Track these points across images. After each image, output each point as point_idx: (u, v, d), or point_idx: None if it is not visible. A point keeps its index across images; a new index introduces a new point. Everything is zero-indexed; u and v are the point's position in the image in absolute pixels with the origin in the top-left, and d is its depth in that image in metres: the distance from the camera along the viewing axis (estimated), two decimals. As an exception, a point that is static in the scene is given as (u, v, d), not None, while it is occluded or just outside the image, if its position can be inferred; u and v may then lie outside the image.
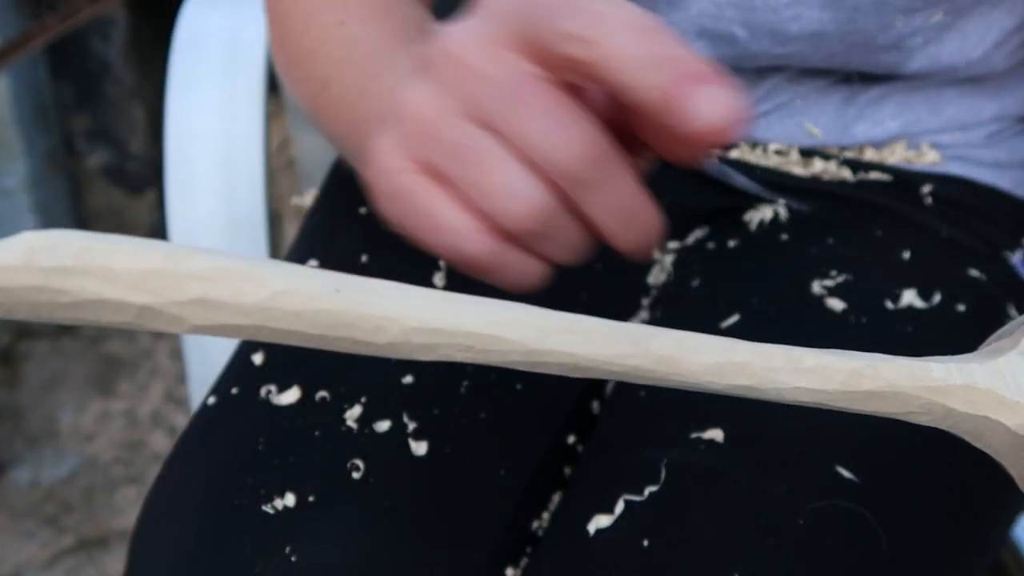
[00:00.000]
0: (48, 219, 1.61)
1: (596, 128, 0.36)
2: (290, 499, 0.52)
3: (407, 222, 0.39)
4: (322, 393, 0.56)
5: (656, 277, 0.67)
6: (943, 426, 0.36)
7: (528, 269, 0.40)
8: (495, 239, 0.38)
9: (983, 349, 0.38)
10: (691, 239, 0.70)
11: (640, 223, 0.38)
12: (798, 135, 0.68)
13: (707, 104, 0.33)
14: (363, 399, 0.56)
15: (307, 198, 0.79)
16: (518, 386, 0.60)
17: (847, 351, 0.35)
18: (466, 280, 0.62)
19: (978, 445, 0.37)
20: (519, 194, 0.37)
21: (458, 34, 0.37)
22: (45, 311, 0.30)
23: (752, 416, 0.55)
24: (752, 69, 0.66)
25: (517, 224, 0.37)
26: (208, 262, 0.30)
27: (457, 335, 0.32)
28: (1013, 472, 0.38)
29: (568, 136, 0.36)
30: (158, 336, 1.65)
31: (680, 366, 0.33)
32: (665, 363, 0.33)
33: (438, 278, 0.62)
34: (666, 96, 0.33)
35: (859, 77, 0.66)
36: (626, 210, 0.38)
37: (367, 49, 0.54)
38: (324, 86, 0.55)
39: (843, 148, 0.68)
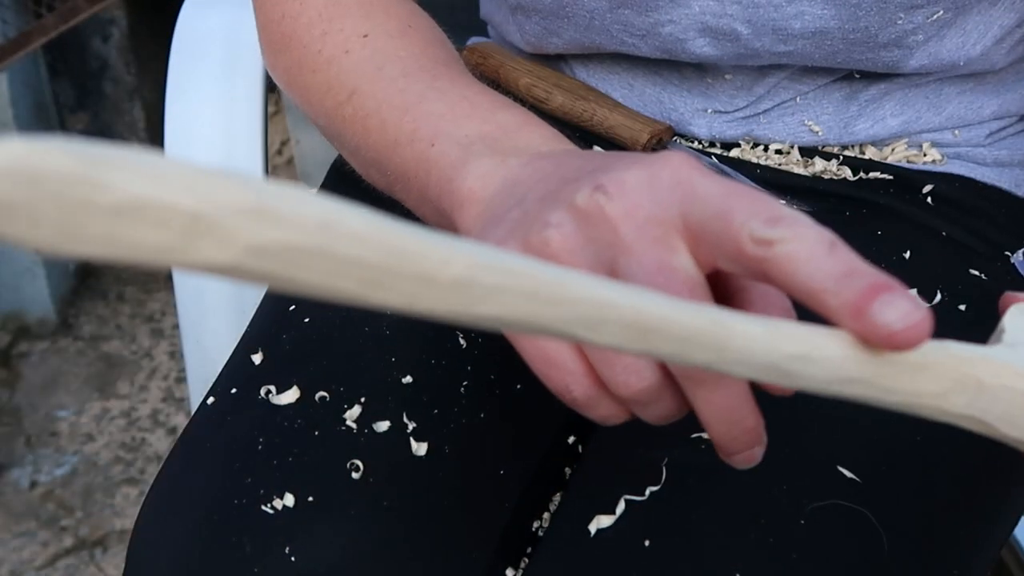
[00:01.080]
0: (47, 219, 1.61)
1: None
2: (289, 499, 0.52)
3: (517, 342, 0.42)
4: (321, 393, 0.56)
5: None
6: (975, 410, 0.37)
7: (614, 414, 0.42)
8: (598, 388, 0.41)
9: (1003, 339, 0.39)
10: (692, 239, 0.70)
11: (742, 430, 0.40)
12: (799, 133, 0.67)
13: (895, 313, 0.34)
14: (363, 399, 0.56)
15: (306, 198, 0.79)
16: (518, 386, 0.60)
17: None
18: None
19: (1007, 431, 0.37)
20: (636, 372, 0.39)
21: (625, 200, 0.39)
22: (74, 217, 0.24)
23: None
24: (754, 67, 0.66)
25: (625, 394, 0.40)
26: (256, 180, 0.26)
27: (525, 277, 0.29)
28: None
29: None
30: (158, 336, 1.65)
31: (732, 341, 0.33)
32: (719, 335, 0.33)
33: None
34: (855, 306, 0.34)
35: (860, 75, 0.66)
36: (731, 413, 0.39)
37: (401, 66, 0.55)
38: (352, 96, 0.55)
39: (844, 146, 0.68)
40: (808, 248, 0.35)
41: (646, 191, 0.39)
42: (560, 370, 0.41)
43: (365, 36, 0.56)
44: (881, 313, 0.34)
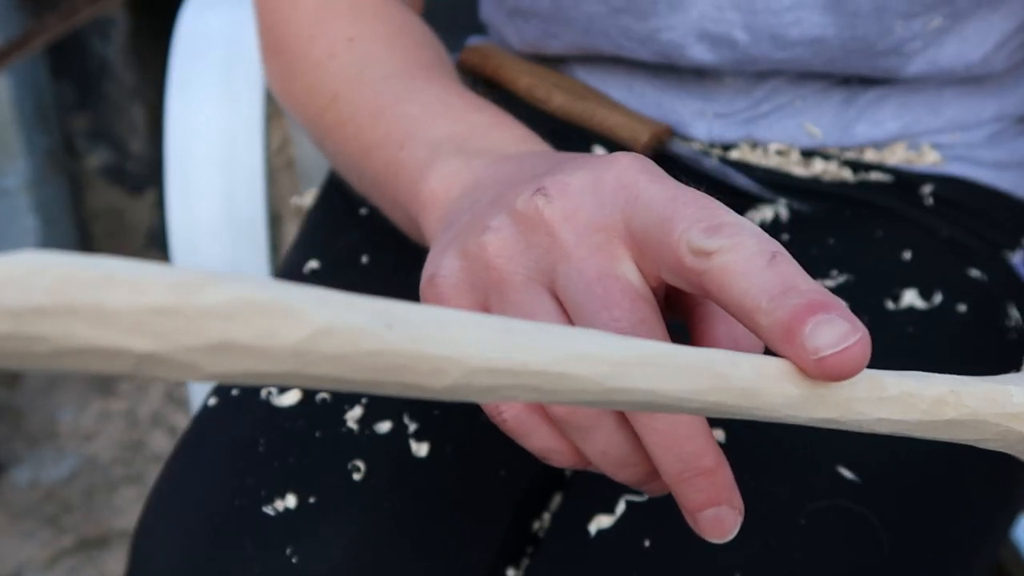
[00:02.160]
0: (48, 219, 1.61)
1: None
2: (291, 500, 0.52)
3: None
4: (323, 394, 0.56)
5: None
6: (1013, 451, 0.36)
7: (555, 447, 0.39)
8: (531, 410, 0.38)
9: None
10: (692, 239, 0.70)
11: (697, 471, 0.36)
12: (798, 136, 0.67)
13: (827, 337, 0.31)
14: (363, 400, 0.56)
15: (307, 198, 0.79)
16: (518, 386, 0.60)
17: (926, 373, 0.34)
18: None
19: None
20: None
21: (565, 203, 0.37)
22: (17, 360, 0.23)
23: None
24: (752, 71, 0.66)
25: (559, 415, 0.37)
26: (227, 294, 0.24)
27: (523, 375, 0.28)
28: None
29: None
30: (158, 336, 1.65)
31: (762, 399, 0.31)
32: (747, 396, 0.31)
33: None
34: (786, 327, 0.31)
35: (858, 81, 0.66)
36: (678, 445, 0.36)
37: (381, 70, 0.54)
38: (332, 101, 0.55)
39: (843, 149, 0.68)
40: (745, 260, 0.33)
41: (589, 195, 0.37)
42: None
43: (351, 40, 0.56)
44: (812, 336, 0.31)
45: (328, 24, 0.57)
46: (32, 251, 0.23)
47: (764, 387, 0.31)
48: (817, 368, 0.30)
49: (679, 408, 0.30)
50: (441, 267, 0.40)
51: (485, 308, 0.39)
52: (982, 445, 0.35)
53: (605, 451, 0.37)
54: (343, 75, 0.55)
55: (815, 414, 0.31)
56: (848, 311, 0.32)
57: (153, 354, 0.24)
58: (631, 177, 0.37)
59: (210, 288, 0.24)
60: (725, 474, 0.36)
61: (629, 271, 0.37)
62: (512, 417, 0.39)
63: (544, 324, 0.29)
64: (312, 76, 0.57)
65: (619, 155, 0.38)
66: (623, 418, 0.37)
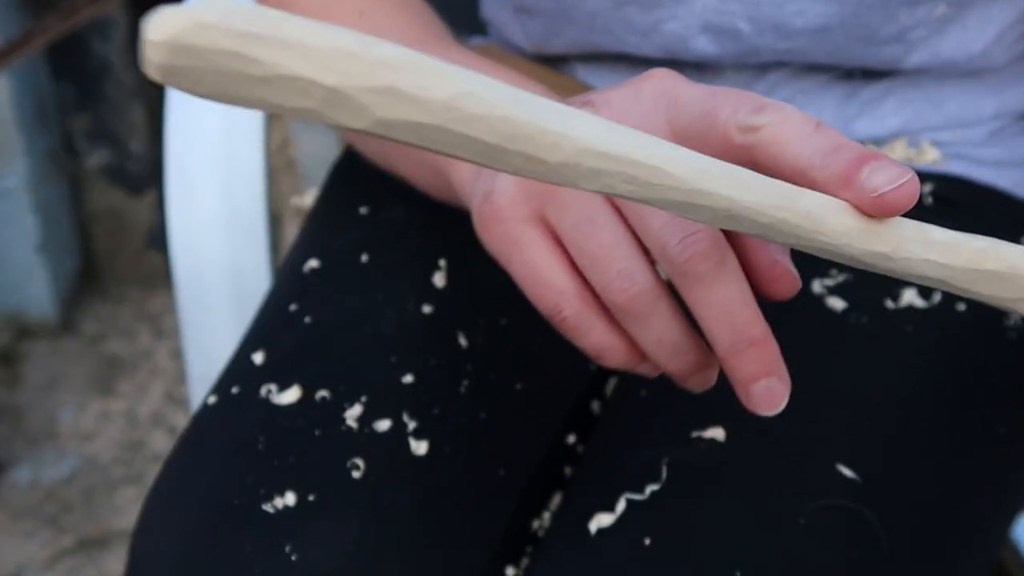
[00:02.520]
0: (48, 219, 1.61)
1: (719, 233, 0.39)
2: (290, 498, 0.52)
3: (510, 266, 0.42)
4: (322, 392, 0.56)
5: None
6: None
7: (611, 343, 0.42)
8: (590, 307, 0.41)
9: None
10: (691, 239, 0.70)
11: (748, 341, 0.40)
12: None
13: (882, 177, 0.34)
14: (363, 398, 0.56)
15: (307, 198, 0.79)
16: (518, 386, 0.60)
17: (970, 234, 0.37)
18: (465, 276, 0.62)
19: None
20: (631, 276, 0.39)
21: (610, 109, 0.40)
22: (232, 83, 0.28)
23: (753, 415, 0.55)
24: (753, 64, 0.66)
25: (619, 303, 0.40)
26: (398, 51, 0.29)
27: (624, 163, 0.32)
28: None
29: (691, 234, 0.38)
30: (158, 336, 1.65)
31: (824, 224, 0.34)
32: (811, 219, 0.34)
33: (438, 278, 0.62)
34: (844, 176, 0.35)
35: (860, 73, 0.66)
36: (732, 315, 0.39)
37: (398, 39, 0.55)
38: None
39: (844, 146, 0.68)
40: (794, 128, 0.36)
41: (632, 103, 0.40)
42: (550, 290, 0.41)
43: (361, 13, 0.57)
44: (869, 179, 0.34)
45: (336, 1, 0.58)
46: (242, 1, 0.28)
47: (826, 215, 0.34)
48: (876, 204, 0.34)
49: (751, 219, 0.33)
50: (496, 183, 0.42)
51: (542, 218, 0.41)
52: (1014, 307, 0.37)
53: (660, 339, 0.40)
54: None
55: (870, 246, 0.35)
56: (893, 159, 0.36)
57: (336, 89, 0.28)
58: (668, 84, 0.40)
59: (387, 45, 0.29)
60: (774, 347, 0.39)
61: None
62: (573, 315, 0.41)
63: (649, 134, 0.33)
64: None
65: (653, 70, 0.41)
66: (676, 307, 0.40)
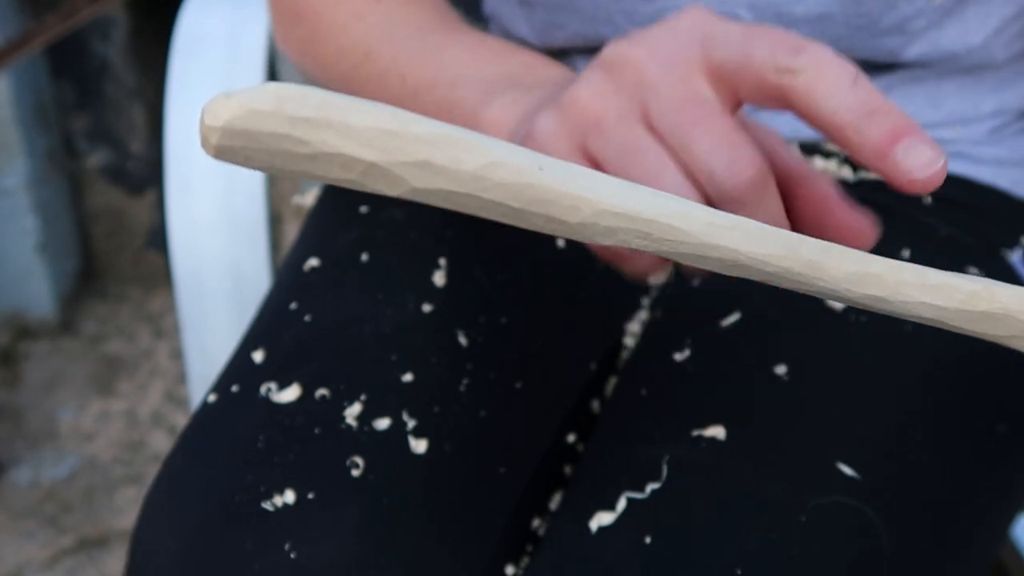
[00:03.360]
0: (48, 219, 1.61)
1: (759, 156, 0.40)
2: (290, 496, 0.52)
3: None
4: (322, 391, 0.56)
5: (656, 276, 0.68)
6: None
7: (648, 265, 0.44)
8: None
9: None
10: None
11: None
12: (800, 127, 0.67)
13: (917, 160, 0.36)
14: (363, 397, 0.56)
15: (307, 198, 0.79)
16: (518, 384, 0.60)
17: (967, 275, 0.38)
18: (465, 275, 0.62)
19: None
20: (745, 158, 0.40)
21: (646, 45, 0.41)
22: (281, 160, 0.31)
23: (753, 414, 0.55)
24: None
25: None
26: (431, 127, 0.32)
27: (638, 221, 0.34)
28: None
29: (732, 158, 0.39)
30: (158, 336, 1.65)
31: (825, 271, 0.36)
32: (812, 267, 0.36)
33: (438, 276, 0.62)
34: (878, 148, 0.36)
35: (861, 68, 0.66)
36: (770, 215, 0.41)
37: (416, 24, 0.56)
38: (367, 55, 0.56)
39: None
40: (831, 81, 0.36)
41: (667, 37, 0.41)
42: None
43: (377, 1, 0.57)
44: (904, 158, 0.35)
45: None
46: (300, 85, 0.31)
47: (827, 262, 0.36)
48: (909, 185, 0.36)
49: (756, 268, 0.36)
50: (537, 121, 0.43)
51: (584, 150, 0.42)
52: (1013, 344, 0.39)
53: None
54: (375, 32, 0.57)
55: (867, 291, 0.37)
56: (926, 134, 0.36)
57: (376, 164, 0.31)
58: (703, 21, 0.41)
59: (420, 122, 0.32)
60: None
61: (710, 95, 0.40)
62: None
63: (660, 191, 0.35)
64: (341, 37, 0.58)
65: (689, 7, 0.42)
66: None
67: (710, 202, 0.40)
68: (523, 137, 0.43)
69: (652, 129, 0.41)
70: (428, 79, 0.53)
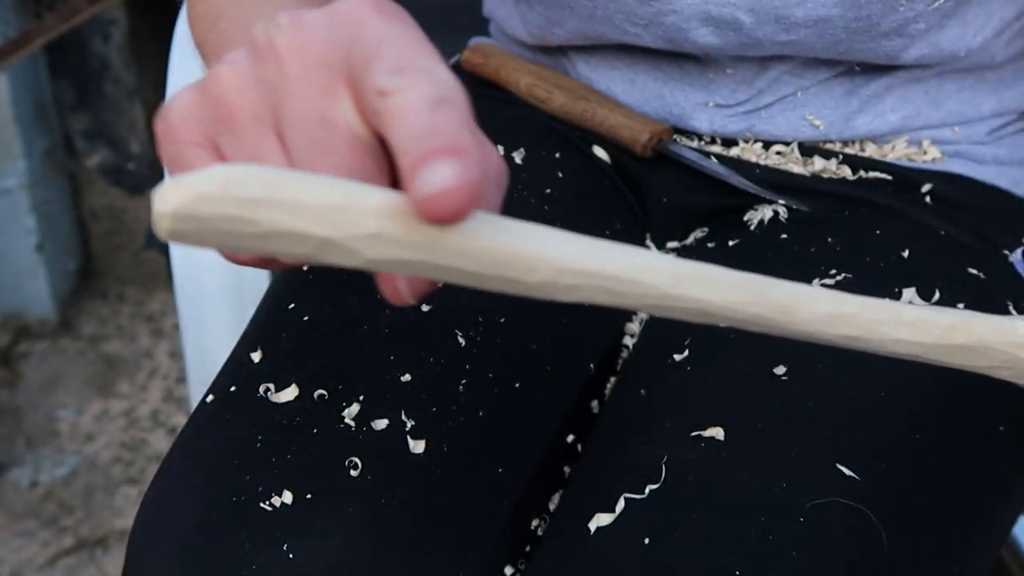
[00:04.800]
0: (48, 219, 1.61)
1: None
2: (288, 496, 0.52)
3: None
4: (320, 391, 0.56)
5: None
6: (1018, 379, 0.39)
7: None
8: None
9: None
10: (691, 239, 0.70)
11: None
12: (801, 127, 0.68)
13: (436, 177, 0.31)
14: (361, 397, 0.56)
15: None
16: (517, 385, 0.60)
17: (942, 308, 0.38)
18: None
19: None
20: None
21: (299, 34, 0.37)
22: (233, 240, 0.31)
23: (752, 415, 0.55)
24: (755, 59, 0.66)
25: None
26: (382, 198, 0.32)
27: (600, 277, 0.34)
28: None
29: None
30: (158, 336, 1.65)
31: (796, 315, 0.35)
32: (783, 311, 0.35)
33: (437, 276, 0.61)
34: (411, 167, 0.32)
35: (860, 68, 0.66)
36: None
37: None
38: (216, 20, 0.54)
39: (845, 142, 0.68)
40: (412, 103, 0.32)
41: (322, 28, 0.36)
42: None
43: None
44: (425, 177, 0.31)
45: None
46: (249, 164, 0.31)
47: (797, 305, 0.35)
48: (423, 210, 0.31)
49: (725, 316, 0.35)
50: (175, 99, 0.39)
51: (214, 146, 0.38)
52: (994, 373, 0.38)
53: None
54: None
55: (841, 331, 0.36)
56: (477, 160, 0.31)
57: (329, 239, 0.31)
58: (362, 12, 0.36)
59: (373, 193, 0.32)
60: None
61: (349, 114, 0.36)
62: None
63: (619, 243, 0.34)
64: (208, 1, 0.56)
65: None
66: None
67: None
68: (160, 116, 0.39)
69: (282, 140, 0.37)
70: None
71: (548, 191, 0.68)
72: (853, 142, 0.68)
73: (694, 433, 0.54)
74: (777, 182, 0.67)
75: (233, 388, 0.58)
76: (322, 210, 0.31)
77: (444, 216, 0.31)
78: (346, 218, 0.31)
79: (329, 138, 0.36)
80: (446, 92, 0.33)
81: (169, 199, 0.30)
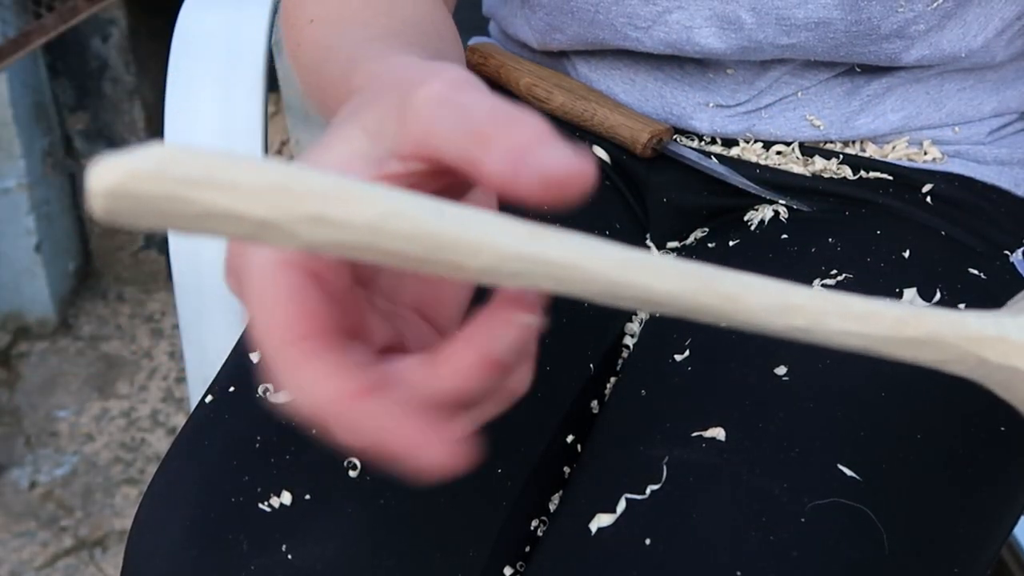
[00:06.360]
0: (47, 219, 1.61)
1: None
2: (287, 497, 0.52)
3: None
4: (320, 391, 0.56)
5: None
6: (975, 376, 0.38)
7: None
8: None
9: (1012, 306, 0.40)
10: (692, 239, 0.70)
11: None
12: (801, 127, 0.68)
13: (552, 165, 0.32)
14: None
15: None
16: (517, 385, 0.60)
17: (894, 300, 0.37)
18: None
19: (1005, 396, 0.39)
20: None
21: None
22: (170, 220, 0.30)
23: (753, 415, 0.55)
24: (756, 61, 0.66)
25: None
26: (324, 180, 0.32)
27: (544, 263, 0.33)
28: None
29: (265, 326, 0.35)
30: (158, 336, 1.65)
31: (742, 304, 0.35)
32: (730, 300, 0.35)
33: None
34: (512, 177, 0.33)
35: (861, 69, 0.66)
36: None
37: (346, 52, 0.53)
38: (326, 56, 0.54)
39: (845, 142, 0.68)
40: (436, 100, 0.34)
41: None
42: None
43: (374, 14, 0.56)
44: (539, 160, 0.32)
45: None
46: (167, 145, 0.30)
47: (743, 295, 0.35)
48: (549, 187, 0.33)
49: (671, 304, 0.35)
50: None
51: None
52: (945, 368, 0.37)
53: None
54: (333, 32, 0.55)
55: (788, 321, 0.36)
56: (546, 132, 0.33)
57: (267, 220, 0.31)
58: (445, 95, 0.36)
59: (315, 175, 0.31)
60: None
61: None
62: None
63: (567, 232, 0.34)
64: (305, 31, 0.56)
65: (439, 70, 0.37)
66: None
67: None
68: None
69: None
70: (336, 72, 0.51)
71: (548, 191, 0.68)
72: (854, 142, 0.68)
73: (695, 433, 0.54)
74: (777, 182, 0.67)
75: (233, 388, 0.58)
76: (260, 191, 0.31)
77: (583, 188, 0.32)
78: (285, 199, 0.31)
79: (267, 276, 0.35)
80: (446, 88, 0.35)
81: (104, 177, 0.30)
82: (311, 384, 0.34)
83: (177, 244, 0.89)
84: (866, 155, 0.68)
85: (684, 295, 0.35)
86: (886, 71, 0.66)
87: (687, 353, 0.59)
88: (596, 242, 0.34)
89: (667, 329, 0.62)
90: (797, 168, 0.68)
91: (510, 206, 0.37)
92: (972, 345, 0.37)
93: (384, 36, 0.54)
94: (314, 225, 0.31)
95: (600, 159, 0.72)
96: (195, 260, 0.91)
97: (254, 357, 0.59)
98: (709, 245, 0.68)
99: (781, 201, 0.67)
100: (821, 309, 0.36)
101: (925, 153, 0.68)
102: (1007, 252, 0.66)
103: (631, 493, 0.52)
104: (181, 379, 1.58)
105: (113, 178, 0.30)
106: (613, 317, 0.66)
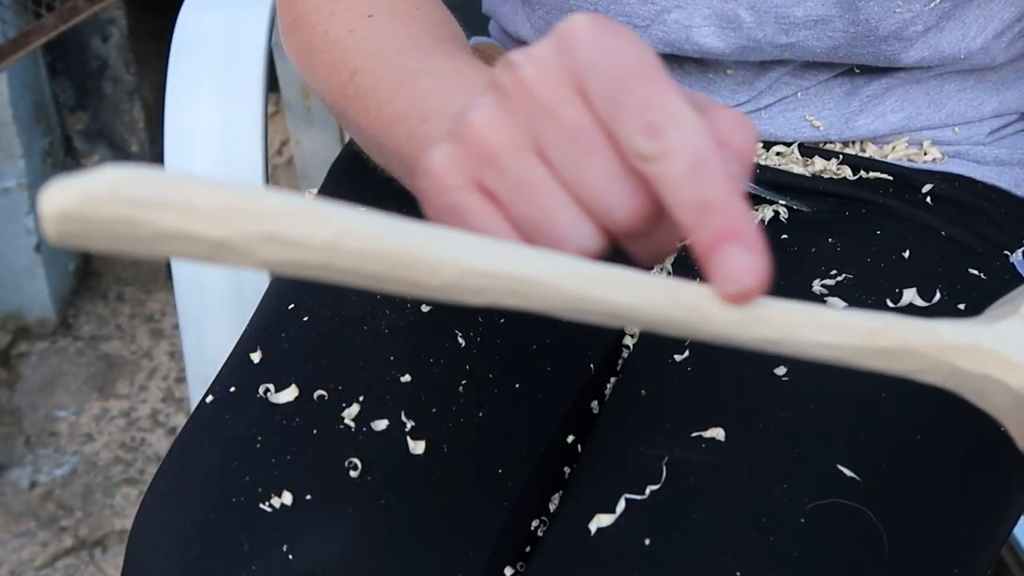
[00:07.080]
0: (47, 219, 1.60)
1: (649, 188, 0.37)
2: (287, 497, 0.52)
3: None
4: (320, 392, 0.56)
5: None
6: (949, 385, 0.37)
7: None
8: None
9: (987, 314, 0.39)
10: (691, 239, 0.70)
11: (670, 253, 0.40)
12: (801, 128, 0.67)
13: (738, 270, 0.34)
14: (361, 398, 0.56)
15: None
16: (517, 385, 0.60)
17: (865, 310, 0.36)
18: None
19: (981, 405, 0.38)
20: (574, 238, 0.38)
21: (534, 66, 0.38)
22: (125, 242, 0.30)
23: (753, 415, 0.55)
24: (755, 61, 0.66)
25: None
26: (279, 201, 0.31)
27: (504, 279, 0.33)
28: (1013, 432, 0.39)
29: (624, 192, 0.37)
30: (157, 336, 1.65)
31: (711, 317, 0.34)
32: (697, 313, 0.34)
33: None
34: (705, 247, 0.34)
35: (860, 70, 0.66)
36: (665, 250, 0.39)
37: (398, 45, 0.55)
38: (352, 75, 0.55)
39: (845, 142, 0.68)
40: (676, 172, 0.35)
41: (555, 54, 0.38)
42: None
43: (370, 16, 0.57)
44: (722, 269, 0.34)
45: (345, 5, 0.58)
46: (141, 166, 0.30)
47: (710, 307, 0.34)
48: (727, 295, 0.34)
49: (636, 318, 0.34)
50: (431, 156, 0.40)
51: (480, 186, 0.39)
52: (919, 377, 0.37)
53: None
54: (362, 49, 0.56)
55: (759, 334, 0.35)
56: (756, 236, 0.34)
57: (223, 240, 0.31)
58: (589, 36, 0.38)
59: (267, 196, 0.31)
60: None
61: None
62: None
63: (528, 246, 0.34)
64: (332, 51, 0.57)
65: (574, 17, 0.39)
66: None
67: (609, 235, 0.38)
68: (421, 173, 0.41)
69: (546, 161, 0.38)
70: (401, 109, 0.51)
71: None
72: (853, 142, 0.68)
73: (694, 433, 0.54)
74: (777, 182, 0.67)
75: (233, 388, 0.58)
76: (215, 211, 0.31)
77: (748, 298, 0.34)
78: (240, 219, 0.31)
79: (590, 141, 0.37)
80: (701, 147, 0.35)
81: (56, 200, 0.29)
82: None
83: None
84: (866, 155, 0.68)
85: (649, 309, 0.34)
86: (886, 72, 0.66)
87: (687, 353, 0.59)
88: (560, 257, 0.34)
89: None
90: (797, 168, 0.68)
91: None
92: (945, 354, 0.36)
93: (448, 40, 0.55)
94: (270, 245, 0.31)
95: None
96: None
97: (255, 357, 0.59)
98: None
99: (781, 201, 0.67)
100: (791, 322, 0.35)
101: (925, 153, 0.68)
102: (1007, 252, 0.66)
103: (631, 493, 0.52)
104: (181, 379, 1.57)
105: (65, 201, 0.29)
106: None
